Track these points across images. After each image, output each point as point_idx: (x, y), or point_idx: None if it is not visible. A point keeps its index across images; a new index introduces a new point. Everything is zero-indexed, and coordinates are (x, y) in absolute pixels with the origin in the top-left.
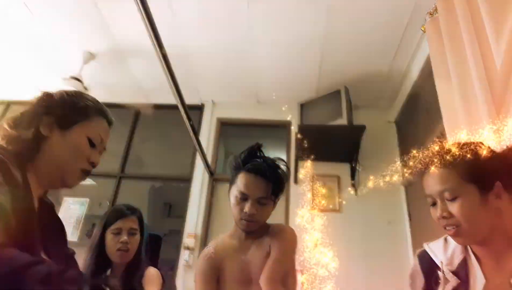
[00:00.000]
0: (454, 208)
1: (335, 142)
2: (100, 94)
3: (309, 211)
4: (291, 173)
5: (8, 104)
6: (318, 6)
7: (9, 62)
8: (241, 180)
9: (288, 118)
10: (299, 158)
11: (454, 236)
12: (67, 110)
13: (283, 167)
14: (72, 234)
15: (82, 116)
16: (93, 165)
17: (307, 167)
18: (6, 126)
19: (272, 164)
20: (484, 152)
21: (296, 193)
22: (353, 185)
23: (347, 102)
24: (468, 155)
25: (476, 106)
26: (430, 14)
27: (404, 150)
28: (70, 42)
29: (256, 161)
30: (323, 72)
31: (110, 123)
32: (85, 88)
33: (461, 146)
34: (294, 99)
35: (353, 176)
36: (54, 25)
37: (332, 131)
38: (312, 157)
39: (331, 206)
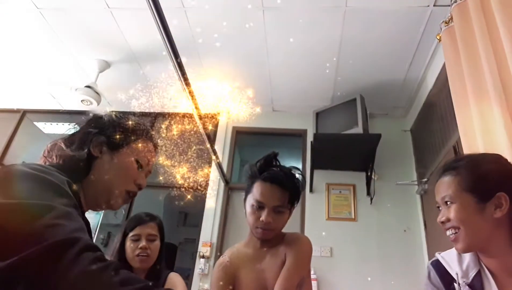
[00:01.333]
0: (450, 212)
1: (350, 151)
2: (115, 103)
3: (325, 220)
4: (306, 182)
5: (24, 113)
6: (333, 14)
7: (25, 71)
8: (257, 189)
9: (304, 127)
10: (314, 167)
11: (454, 241)
12: (117, 132)
13: (298, 176)
14: None
15: (131, 138)
16: (140, 187)
17: (322, 176)
18: (62, 146)
19: (288, 173)
20: (493, 165)
21: (312, 202)
22: (369, 194)
23: (363, 111)
24: (473, 166)
25: (491, 114)
26: (446, 23)
27: (420, 159)
28: (85, 51)
29: (272, 170)
30: (339, 81)
31: (155, 146)
32: (99, 96)
33: (465, 157)
34: (309, 107)
35: (368, 184)
36: (70, 34)
37: (347, 139)
38: (328, 166)
39: (346, 215)
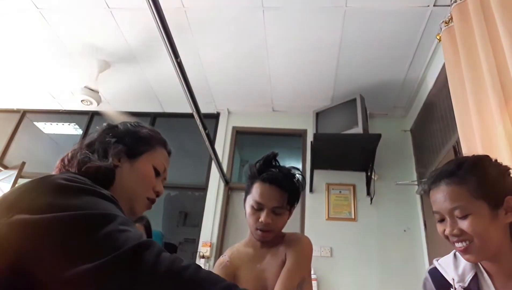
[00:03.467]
0: (465, 225)
1: (350, 151)
2: (115, 102)
3: (325, 220)
4: (306, 182)
5: (24, 113)
6: (333, 14)
7: (25, 71)
8: (256, 190)
9: (304, 127)
10: (314, 167)
11: (465, 253)
12: (134, 140)
13: (298, 176)
14: None
15: (147, 146)
16: (158, 194)
17: (322, 176)
18: (89, 155)
19: (287, 173)
20: (495, 168)
21: (312, 202)
22: (369, 194)
23: (363, 111)
24: (479, 171)
25: (491, 114)
26: (446, 23)
27: (420, 159)
28: (85, 51)
29: (271, 171)
30: (339, 81)
31: (169, 153)
32: (99, 96)
33: (462, 161)
34: (309, 107)
35: (368, 184)
36: (70, 34)
37: (347, 139)
38: (328, 166)
39: (346, 215)
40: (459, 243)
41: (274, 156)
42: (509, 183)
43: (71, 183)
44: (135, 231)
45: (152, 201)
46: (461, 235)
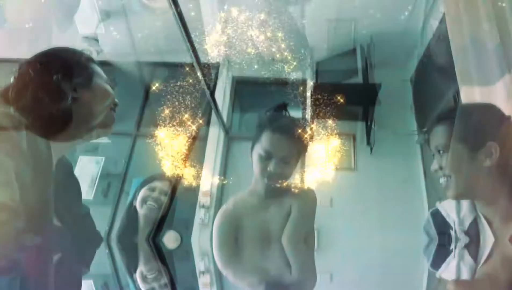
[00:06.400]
0: (443, 161)
1: (350, 100)
2: (114, 52)
3: (324, 169)
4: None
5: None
6: None
7: (23, 19)
8: (266, 139)
9: (304, 76)
10: (314, 116)
11: (446, 188)
12: (81, 68)
13: (307, 127)
14: (87, 193)
15: (91, 68)
16: (116, 105)
17: (322, 126)
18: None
19: (298, 124)
20: (487, 114)
21: (311, 152)
22: (369, 144)
23: (363, 61)
24: (466, 116)
25: (490, 64)
26: None
27: (420, 108)
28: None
29: (282, 120)
30: (339, 30)
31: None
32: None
33: (458, 107)
34: (310, 57)
35: (368, 134)
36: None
37: (347, 89)
38: (327, 115)
39: (346, 165)
40: (441, 179)
41: (285, 106)
42: (499, 131)
43: None
44: None
45: (114, 111)
46: (440, 169)
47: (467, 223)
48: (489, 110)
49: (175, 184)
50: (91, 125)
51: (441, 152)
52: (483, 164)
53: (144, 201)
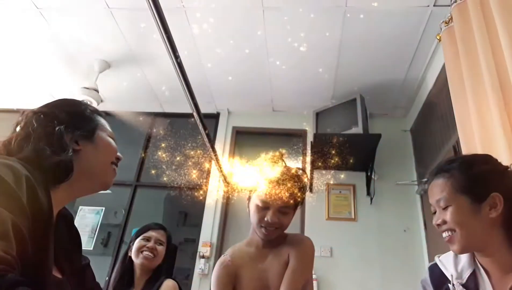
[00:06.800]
0: (447, 215)
1: (350, 151)
2: (115, 103)
3: (325, 220)
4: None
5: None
6: (333, 14)
7: (24, 71)
8: (262, 189)
9: (304, 127)
10: (314, 167)
11: (450, 243)
12: (83, 120)
13: (303, 177)
14: (87, 243)
15: (94, 120)
16: (119, 159)
17: (322, 176)
18: (45, 148)
19: (294, 174)
20: (487, 166)
21: (312, 202)
22: (369, 194)
23: (363, 111)
24: (466, 167)
25: (490, 114)
26: (446, 23)
27: (420, 159)
28: (85, 51)
29: (278, 170)
30: (339, 81)
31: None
32: (99, 96)
33: (457, 158)
34: (309, 107)
35: (368, 184)
36: (70, 34)
37: (347, 139)
38: (328, 166)
39: (346, 215)
40: (444, 233)
41: (281, 156)
42: (501, 182)
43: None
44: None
45: (116, 166)
46: (443, 224)
47: (465, 276)
48: (489, 161)
49: (170, 233)
50: (92, 178)
51: (443, 206)
52: (489, 215)
53: (139, 251)
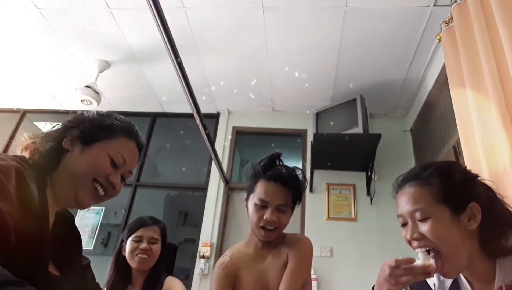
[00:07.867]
0: (425, 229)
1: (350, 151)
2: (115, 102)
3: (325, 220)
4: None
5: (24, 113)
6: (333, 14)
7: (25, 71)
8: (261, 188)
9: (304, 127)
10: (314, 167)
11: (441, 270)
12: (92, 126)
13: (301, 176)
14: (87, 243)
15: (106, 134)
16: (112, 185)
17: (322, 176)
18: (32, 139)
19: (292, 173)
20: (461, 174)
21: (312, 202)
22: (369, 194)
23: (363, 111)
24: (443, 175)
25: (490, 114)
26: (446, 23)
27: (420, 159)
28: (85, 51)
29: (276, 169)
30: (339, 81)
31: (139, 146)
32: (99, 96)
33: (431, 164)
34: (309, 107)
35: (368, 184)
36: (70, 34)
37: (347, 139)
38: (328, 166)
39: (346, 215)
40: (420, 253)
41: (278, 156)
42: (475, 190)
43: None
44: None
45: (103, 188)
46: (421, 239)
47: (447, 284)
48: (462, 169)
49: (163, 225)
50: (69, 186)
51: (420, 218)
52: (467, 228)
53: (133, 253)
